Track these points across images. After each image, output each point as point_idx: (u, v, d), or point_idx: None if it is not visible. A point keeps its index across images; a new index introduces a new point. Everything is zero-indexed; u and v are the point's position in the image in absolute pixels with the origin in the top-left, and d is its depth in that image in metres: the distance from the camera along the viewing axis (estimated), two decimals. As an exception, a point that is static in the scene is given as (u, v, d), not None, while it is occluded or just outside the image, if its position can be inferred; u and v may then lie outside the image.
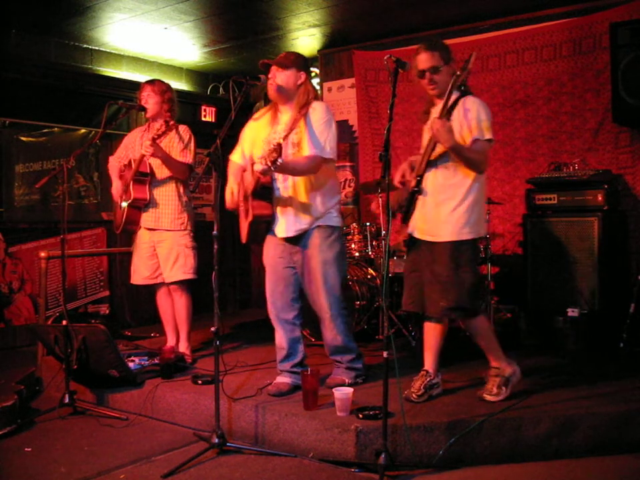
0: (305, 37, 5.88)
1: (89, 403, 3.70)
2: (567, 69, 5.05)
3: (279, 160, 2.87)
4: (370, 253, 4.87)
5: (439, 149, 3.10)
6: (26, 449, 3.12)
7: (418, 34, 5.71)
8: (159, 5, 4.94)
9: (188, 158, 4.07)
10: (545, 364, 3.92)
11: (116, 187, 4.14)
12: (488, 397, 3.12)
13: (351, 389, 3.04)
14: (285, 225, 3.36)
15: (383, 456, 2.60)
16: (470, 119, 3.05)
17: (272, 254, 3.45)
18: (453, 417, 2.91)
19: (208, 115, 6.81)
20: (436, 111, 3.17)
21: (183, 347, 4.16)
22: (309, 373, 3.13)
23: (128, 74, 6.27)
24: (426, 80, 3.13)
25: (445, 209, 3.12)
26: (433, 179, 3.15)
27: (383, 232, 4.70)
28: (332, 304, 3.35)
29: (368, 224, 4.92)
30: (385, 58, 2.77)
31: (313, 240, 3.34)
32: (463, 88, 3.12)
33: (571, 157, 4.90)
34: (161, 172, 4.08)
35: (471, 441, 2.83)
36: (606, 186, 4.35)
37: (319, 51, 6.36)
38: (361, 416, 2.88)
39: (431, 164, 3.13)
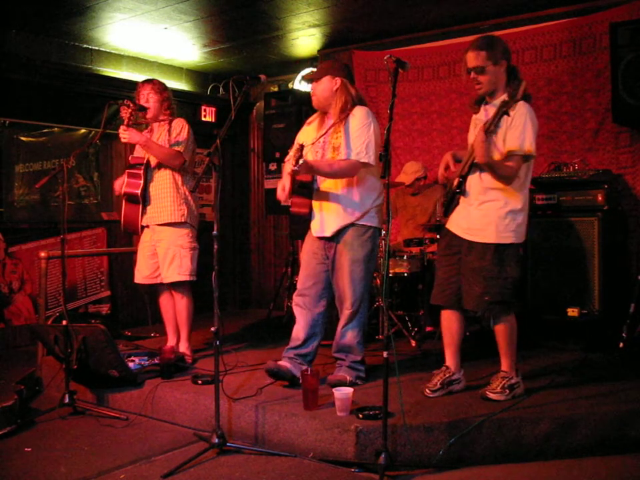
0: (305, 37, 5.88)
1: (88, 403, 3.70)
2: (567, 69, 5.05)
3: (300, 160, 3.02)
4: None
5: None
6: (26, 449, 3.12)
7: (418, 34, 5.71)
8: (159, 5, 4.94)
9: (176, 144, 4.03)
10: (544, 364, 3.92)
11: (119, 185, 4.14)
12: (490, 395, 3.12)
13: (351, 389, 3.04)
14: (322, 224, 3.45)
15: (383, 456, 2.60)
16: (514, 128, 3.04)
17: (308, 249, 3.57)
18: (453, 417, 2.91)
19: (208, 115, 6.81)
20: (485, 110, 3.20)
21: (184, 347, 4.16)
22: (308, 372, 3.13)
23: (128, 74, 6.27)
24: (471, 79, 3.15)
25: (488, 211, 3.14)
26: (477, 181, 3.17)
27: (383, 232, 4.70)
28: (355, 301, 3.41)
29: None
30: (385, 58, 2.77)
31: (346, 237, 3.42)
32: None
33: (571, 157, 4.89)
34: (155, 161, 4.07)
35: (471, 441, 2.84)
36: (606, 186, 4.35)
37: (319, 51, 6.35)
38: (360, 416, 2.89)
39: (476, 165, 3.14)
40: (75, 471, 2.84)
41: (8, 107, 5.36)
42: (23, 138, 5.68)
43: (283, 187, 3.41)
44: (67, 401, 3.57)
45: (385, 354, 2.63)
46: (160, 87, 4.13)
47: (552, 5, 5.05)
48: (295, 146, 3.11)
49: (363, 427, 2.81)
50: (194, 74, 6.98)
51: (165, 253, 4.08)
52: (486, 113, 3.21)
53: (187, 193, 4.12)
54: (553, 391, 3.30)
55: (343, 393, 2.99)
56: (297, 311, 3.57)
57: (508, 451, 2.88)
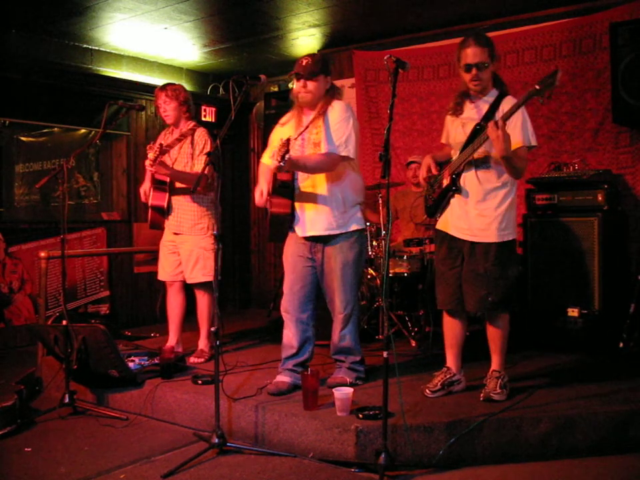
0: (305, 37, 5.88)
1: (89, 402, 3.70)
2: (567, 69, 5.04)
3: (287, 155, 2.90)
4: (370, 252, 4.87)
5: (483, 150, 3.08)
6: (26, 449, 3.12)
7: (418, 34, 5.71)
8: (159, 4, 4.94)
9: (200, 166, 4.04)
10: (545, 364, 3.92)
11: (144, 189, 4.18)
12: (496, 397, 3.12)
13: (351, 389, 3.04)
14: (306, 224, 3.37)
15: (383, 456, 2.60)
16: (516, 123, 3.03)
17: (292, 252, 3.47)
18: (453, 417, 2.91)
19: (208, 115, 6.81)
20: (473, 108, 3.16)
21: (203, 344, 4.23)
22: (309, 372, 3.13)
23: (128, 74, 6.27)
24: (471, 75, 3.08)
25: (488, 210, 3.13)
26: (472, 180, 3.15)
27: (383, 232, 4.70)
28: (347, 304, 3.38)
29: (368, 224, 4.92)
30: (385, 58, 2.77)
31: (336, 240, 3.35)
32: (504, 87, 3.15)
33: (571, 157, 4.89)
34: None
35: (471, 441, 2.84)
36: (606, 186, 4.35)
37: (318, 51, 6.35)
38: (360, 416, 2.88)
39: (470, 163, 3.13)
40: (75, 471, 2.84)
41: (8, 107, 5.36)
42: (23, 138, 5.68)
43: (261, 192, 3.35)
44: (67, 401, 3.57)
45: (385, 354, 2.63)
46: (174, 93, 4.10)
47: (552, 4, 5.05)
48: (278, 142, 2.97)
49: (363, 427, 2.80)
50: (194, 74, 6.98)
51: (188, 254, 4.12)
52: (477, 109, 3.17)
53: (208, 204, 4.14)
54: (553, 391, 3.30)
55: (342, 393, 2.99)
56: (285, 317, 3.50)
57: (508, 451, 2.88)
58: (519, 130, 3.05)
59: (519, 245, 4.99)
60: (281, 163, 2.92)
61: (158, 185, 4.07)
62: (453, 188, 3.18)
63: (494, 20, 5.36)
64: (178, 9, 5.05)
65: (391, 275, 4.67)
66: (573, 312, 4.26)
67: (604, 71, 4.80)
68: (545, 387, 3.37)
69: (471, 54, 3.05)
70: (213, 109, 6.84)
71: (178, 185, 4.08)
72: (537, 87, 2.82)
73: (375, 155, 6.01)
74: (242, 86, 3.11)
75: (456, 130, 3.26)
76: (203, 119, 6.75)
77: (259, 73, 3.23)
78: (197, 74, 7.01)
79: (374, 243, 4.86)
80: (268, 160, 3.50)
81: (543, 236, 4.50)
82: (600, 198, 4.33)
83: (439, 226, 3.34)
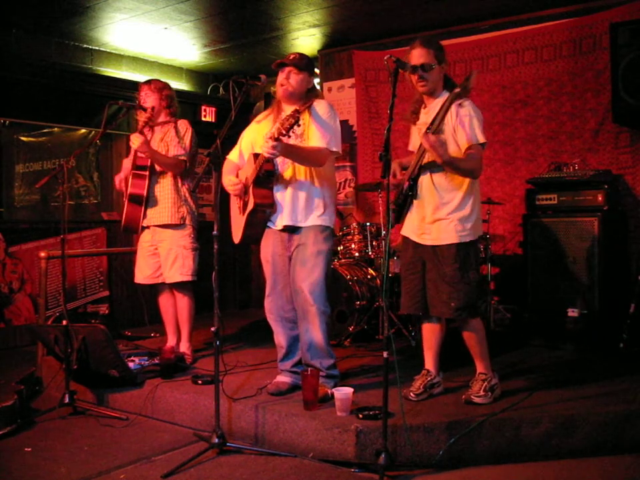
0: (305, 37, 5.89)
1: (89, 402, 3.70)
2: (567, 69, 5.06)
3: (296, 127, 2.87)
4: (370, 253, 4.87)
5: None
6: (26, 449, 3.12)
7: (418, 34, 5.69)
8: (159, 4, 4.94)
9: (179, 151, 4.03)
10: (545, 364, 3.92)
11: (119, 177, 4.15)
12: (476, 399, 3.11)
13: (351, 389, 3.04)
14: (284, 213, 3.30)
15: (383, 456, 2.60)
16: (463, 123, 3.01)
17: (271, 251, 3.40)
18: (452, 417, 2.91)
19: (208, 115, 6.81)
20: (426, 112, 3.17)
21: (184, 347, 4.17)
22: (308, 373, 3.13)
23: (128, 74, 6.27)
24: (416, 76, 3.09)
25: (444, 212, 3.09)
26: (428, 184, 3.13)
27: (383, 232, 4.70)
28: (319, 297, 3.26)
29: (368, 224, 4.92)
30: (385, 58, 2.76)
31: (309, 232, 3.29)
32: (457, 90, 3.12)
33: (571, 157, 4.90)
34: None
35: (471, 441, 2.83)
36: (606, 186, 4.35)
37: (319, 51, 6.36)
38: (360, 416, 2.88)
39: (424, 167, 3.12)
40: (75, 471, 2.84)
41: (8, 107, 5.36)
42: (23, 138, 5.69)
43: (236, 184, 3.31)
44: (67, 401, 3.57)
45: (385, 354, 2.62)
46: (158, 86, 4.11)
47: (552, 5, 5.06)
48: (284, 116, 2.94)
49: (363, 427, 2.80)
50: (194, 74, 6.99)
51: (167, 253, 4.08)
52: (429, 114, 3.16)
53: (187, 194, 4.13)
54: (553, 391, 3.30)
55: (343, 393, 2.99)
56: (270, 318, 3.44)
57: (508, 451, 2.87)
58: (467, 127, 3.01)
59: (519, 245, 5.00)
60: (287, 134, 2.88)
61: (138, 169, 4.02)
62: (410, 193, 3.15)
63: (494, 20, 5.37)
64: (178, 9, 5.05)
65: (391, 275, 4.67)
66: (573, 312, 4.26)
67: (604, 71, 4.80)
68: (544, 387, 3.37)
69: (416, 55, 3.07)
70: (213, 109, 6.85)
71: (158, 170, 4.05)
72: (457, 89, 2.90)
73: (375, 154, 6.01)
74: (242, 86, 3.11)
75: (416, 136, 3.25)
76: (203, 118, 6.75)
77: (259, 73, 3.22)
78: (197, 74, 7.01)
79: (374, 243, 4.87)
80: (235, 158, 3.49)
81: (543, 236, 4.50)
82: (600, 198, 4.33)
83: (403, 232, 3.31)
